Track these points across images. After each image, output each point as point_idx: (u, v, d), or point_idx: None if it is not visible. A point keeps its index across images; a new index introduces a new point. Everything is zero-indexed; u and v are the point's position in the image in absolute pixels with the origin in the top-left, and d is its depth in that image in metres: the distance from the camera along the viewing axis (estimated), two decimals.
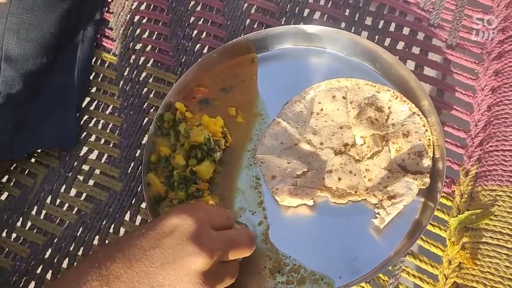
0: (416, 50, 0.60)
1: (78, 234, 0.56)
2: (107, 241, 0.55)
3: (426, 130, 0.52)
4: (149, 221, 0.54)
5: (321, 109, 0.56)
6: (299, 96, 0.57)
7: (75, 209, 0.58)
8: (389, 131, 0.53)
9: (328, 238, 0.50)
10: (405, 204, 0.48)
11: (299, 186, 0.52)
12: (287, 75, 0.59)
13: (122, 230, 0.56)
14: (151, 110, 0.62)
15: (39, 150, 0.62)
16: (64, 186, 0.60)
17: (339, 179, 0.52)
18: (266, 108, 0.58)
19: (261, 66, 0.60)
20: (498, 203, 0.46)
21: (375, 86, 0.55)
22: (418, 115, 0.53)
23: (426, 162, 0.50)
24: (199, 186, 0.52)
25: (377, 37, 0.61)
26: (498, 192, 0.47)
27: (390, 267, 0.48)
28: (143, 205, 0.55)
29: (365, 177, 0.52)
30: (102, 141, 0.62)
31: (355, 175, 0.52)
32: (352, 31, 0.62)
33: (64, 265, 0.55)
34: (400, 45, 0.61)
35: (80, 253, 0.55)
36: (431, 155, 0.51)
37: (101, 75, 0.66)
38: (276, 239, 0.50)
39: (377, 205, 0.50)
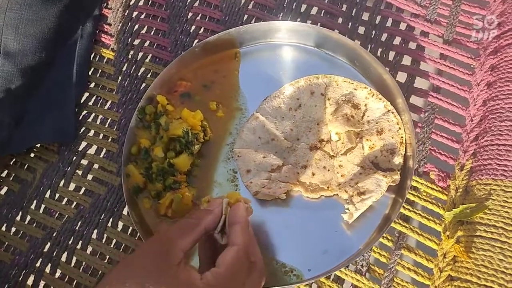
0: (412, 45, 0.60)
1: (76, 228, 0.56)
2: (105, 235, 0.56)
3: (400, 128, 0.52)
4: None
5: (299, 105, 0.57)
6: (278, 91, 0.57)
7: (74, 203, 0.58)
8: (364, 128, 0.53)
9: (300, 231, 0.50)
10: (374, 200, 0.49)
11: (273, 180, 0.52)
12: (268, 70, 0.59)
13: (120, 224, 0.56)
14: None
15: (38, 145, 0.63)
16: (63, 181, 0.60)
17: (313, 174, 0.52)
18: (247, 102, 0.58)
19: (243, 61, 0.60)
20: (492, 197, 0.46)
21: (352, 83, 0.56)
22: (392, 113, 0.53)
23: (398, 160, 0.51)
24: (176, 178, 0.52)
25: (373, 32, 0.61)
26: (492, 186, 0.47)
27: (385, 261, 0.49)
28: None
29: (338, 172, 0.52)
30: (101, 136, 0.62)
31: (328, 170, 0.52)
32: (349, 26, 0.62)
33: (63, 258, 0.55)
34: (397, 40, 0.61)
35: (78, 246, 0.55)
36: (403, 153, 0.51)
37: (100, 70, 0.67)
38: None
39: (347, 201, 0.50)
